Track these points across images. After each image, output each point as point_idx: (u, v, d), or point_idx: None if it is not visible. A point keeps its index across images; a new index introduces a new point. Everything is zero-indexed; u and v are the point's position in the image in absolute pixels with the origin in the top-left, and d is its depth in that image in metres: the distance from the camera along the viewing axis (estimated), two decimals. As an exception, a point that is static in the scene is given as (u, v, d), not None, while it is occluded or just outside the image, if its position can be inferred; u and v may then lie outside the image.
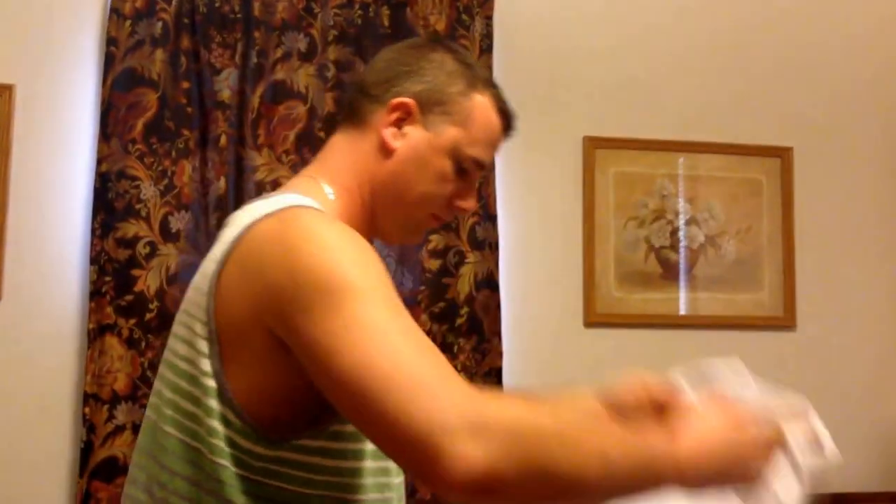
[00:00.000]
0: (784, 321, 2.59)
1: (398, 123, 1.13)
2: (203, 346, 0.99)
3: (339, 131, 1.18)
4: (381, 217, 1.15)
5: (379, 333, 0.89)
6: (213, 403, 0.97)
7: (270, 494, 0.97)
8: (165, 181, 2.35)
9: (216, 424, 0.96)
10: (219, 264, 1.01)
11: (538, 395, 0.90)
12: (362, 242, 0.98)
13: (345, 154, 1.15)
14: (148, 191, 2.35)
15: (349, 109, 1.18)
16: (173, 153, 2.36)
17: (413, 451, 0.83)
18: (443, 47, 1.18)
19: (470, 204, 1.17)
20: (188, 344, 1.01)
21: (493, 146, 1.16)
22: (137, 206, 2.33)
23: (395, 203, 1.14)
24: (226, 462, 0.96)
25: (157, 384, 1.07)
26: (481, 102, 1.14)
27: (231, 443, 0.96)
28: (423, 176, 1.13)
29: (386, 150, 1.13)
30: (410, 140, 1.12)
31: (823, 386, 2.60)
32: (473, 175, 1.15)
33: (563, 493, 0.85)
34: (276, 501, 0.97)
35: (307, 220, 1.00)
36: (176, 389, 1.01)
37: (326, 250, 0.95)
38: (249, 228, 1.01)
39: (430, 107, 1.13)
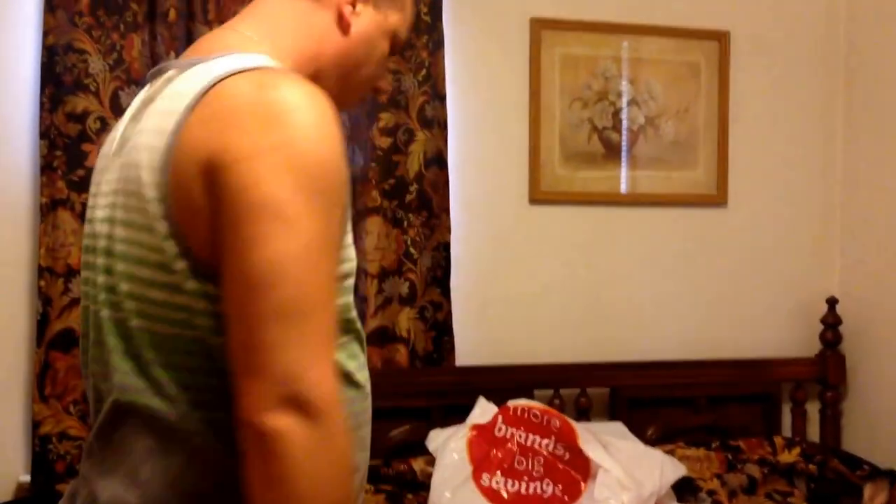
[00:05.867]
0: (716, 198, 2.54)
1: (354, 1, 1.05)
2: (163, 227, 0.90)
3: None
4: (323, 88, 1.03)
5: (323, 265, 0.87)
6: (192, 285, 0.89)
7: None
8: (114, 55, 2.18)
9: (202, 304, 0.89)
10: (173, 133, 0.90)
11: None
12: (337, 128, 0.91)
13: (293, 21, 1.03)
14: (97, 65, 2.17)
15: None
16: (121, 27, 2.18)
17: (261, 377, 0.84)
18: None
19: (387, 85, 1.17)
20: (146, 230, 0.91)
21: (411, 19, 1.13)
22: (86, 81, 2.16)
23: (341, 79, 1.06)
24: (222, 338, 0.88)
25: (101, 278, 0.97)
26: None
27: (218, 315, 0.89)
28: (370, 57, 1.06)
29: (343, 27, 1.04)
30: (364, 20, 1.04)
31: (751, 259, 2.59)
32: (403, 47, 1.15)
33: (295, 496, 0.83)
34: None
35: (288, 90, 0.90)
36: (140, 281, 0.92)
37: (316, 141, 0.88)
38: (213, 88, 0.91)
39: None
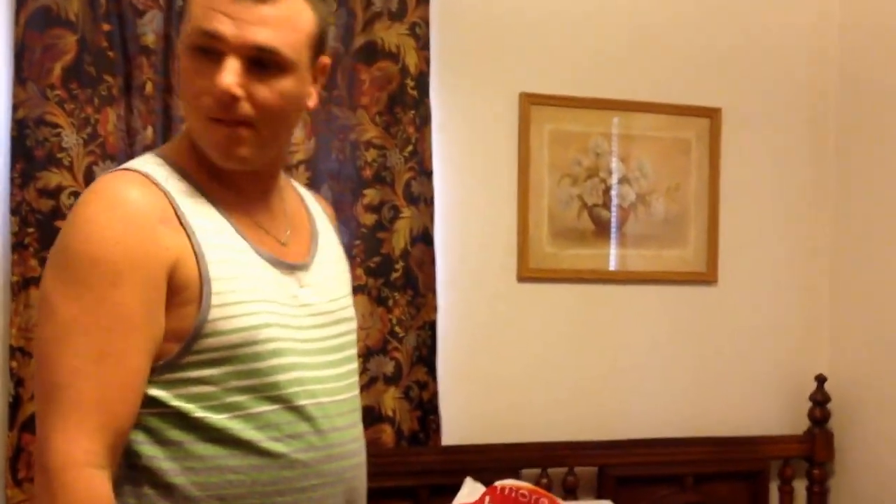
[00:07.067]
0: (706, 276, 2.50)
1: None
2: None
3: None
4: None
5: (80, 346, 1.01)
6: None
7: None
8: (88, 129, 2.07)
9: None
10: None
11: None
12: (122, 232, 1.03)
13: None
14: (70, 139, 2.07)
15: None
16: (96, 100, 2.07)
17: (39, 442, 1.04)
18: None
19: (212, 81, 1.06)
20: None
21: (207, 8, 1.07)
22: (59, 155, 2.05)
23: (190, 118, 1.13)
24: None
25: None
26: None
27: None
28: (182, 85, 1.12)
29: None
30: None
31: (740, 337, 2.55)
32: (212, 48, 1.07)
33: None
34: None
35: (91, 190, 1.07)
36: None
37: (80, 234, 1.03)
38: None
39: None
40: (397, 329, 2.26)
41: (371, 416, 2.26)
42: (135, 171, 1.09)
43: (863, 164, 2.50)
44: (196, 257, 1.06)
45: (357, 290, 2.23)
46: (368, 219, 2.24)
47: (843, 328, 2.55)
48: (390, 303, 2.26)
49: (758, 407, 2.56)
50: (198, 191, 1.11)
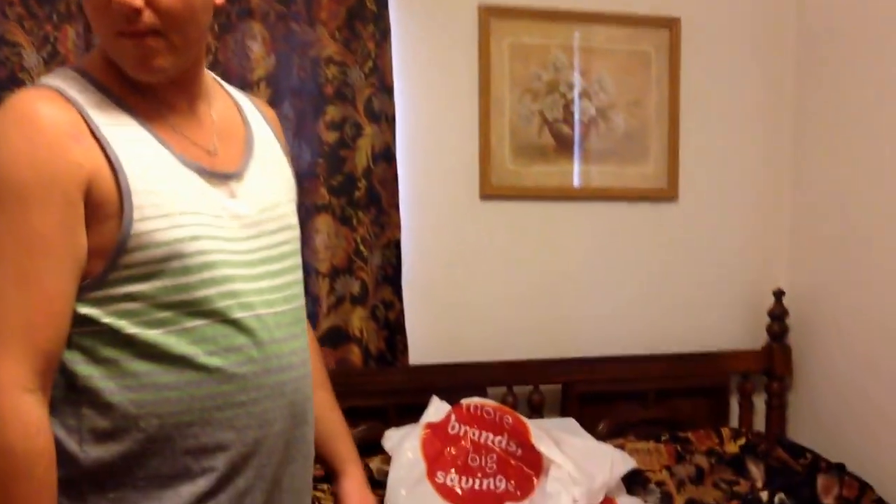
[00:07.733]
0: (667, 192, 2.50)
1: None
2: None
3: None
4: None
5: (6, 269, 0.99)
6: None
7: None
8: (48, 48, 2.06)
9: None
10: None
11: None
12: (31, 151, 0.99)
13: None
14: (31, 58, 2.06)
15: None
16: (54, 17, 2.06)
17: None
18: None
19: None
20: None
21: None
22: (21, 76, 2.04)
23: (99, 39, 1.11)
24: None
25: None
26: None
27: None
28: (84, 4, 1.08)
29: None
30: None
31: (700, 253, 2.56)
32: None
33: None
34: None
35: (0, 114, 1.03)
36: None
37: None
38: None
39: None
40: (362, 248, 2.27)
41: (339, 337, 2.27)
42: (45, 86, 1.06)
43: (823, 77, 2.48)
44: (113, 171, 1.03)
45: (321, 208, 2.24)
46: (330, 136, 2.24)
47: (802, 243, 2.56)
48: (354, 222, 2.26)
49: (718, 322, 2.57)
50: (115, 103, 1.08)
